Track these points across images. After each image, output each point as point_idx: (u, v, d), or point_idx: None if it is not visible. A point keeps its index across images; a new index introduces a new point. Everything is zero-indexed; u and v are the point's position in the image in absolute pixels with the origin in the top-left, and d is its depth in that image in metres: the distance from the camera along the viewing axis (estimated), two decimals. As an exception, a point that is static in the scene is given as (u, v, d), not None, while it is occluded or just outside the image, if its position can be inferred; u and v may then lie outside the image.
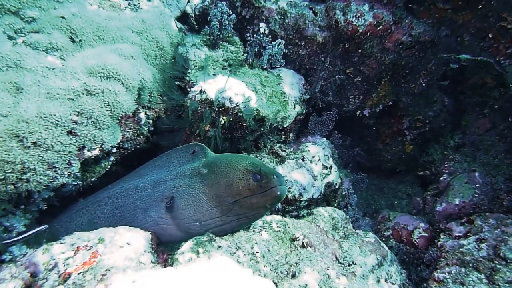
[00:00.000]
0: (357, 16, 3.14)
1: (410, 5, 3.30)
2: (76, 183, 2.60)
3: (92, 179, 2.79)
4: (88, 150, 2.39)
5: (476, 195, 3.31)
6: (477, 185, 3.39)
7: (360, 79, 3.58)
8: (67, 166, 2.26)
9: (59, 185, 2.28)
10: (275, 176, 2.20)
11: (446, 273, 2.55)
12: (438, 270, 2.61)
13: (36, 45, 2.57)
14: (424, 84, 3.74)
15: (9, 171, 2.01)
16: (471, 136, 3.87)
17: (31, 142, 2.11)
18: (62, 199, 2.83)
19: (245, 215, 2.28)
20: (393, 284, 2.47)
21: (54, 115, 2.21)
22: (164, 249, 2.50)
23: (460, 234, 2.95)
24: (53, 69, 2.47)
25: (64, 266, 2.05)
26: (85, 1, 3.14)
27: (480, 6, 3.00)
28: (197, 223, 2.35)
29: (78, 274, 1.98)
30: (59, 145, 2.20)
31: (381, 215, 3.93)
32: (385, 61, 3.41)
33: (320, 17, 3.34)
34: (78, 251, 2.15)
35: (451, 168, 3.89)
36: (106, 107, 2.44)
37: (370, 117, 4.01)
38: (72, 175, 2.32)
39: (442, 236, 3.14)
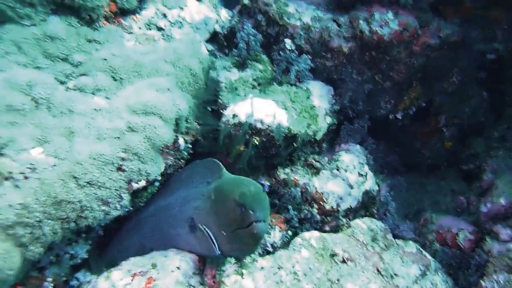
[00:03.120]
0: (381, 25, 3.15)
1: (436, 7, 3.25)
2: (127, 209, 2.83)
3: (141, 204, 3.01)
4: (135, 183, 2.60)
5: (522, 195, 3.20)
6: (523, 184, 3.28)
7: (389, 84, 3.57)
8: (119, 199, 2.48)
9: (113, 218, 2.50)
10: (251, 211, 2.11)
11: (494, 281, 2.52)
12: (485, 278, 2.59)
13: (84, 88, 2.83)
14: (457, 82, 3.66)
15: (70, 210, 2.25)
16: (514, 130, 3.74)
17: (86, 182, 2.35)
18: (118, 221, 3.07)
19: (245, 246, 2.29)
20: (438, 294, 2.49)
21: (104, 155, 2.44)
22: (211, 266, 2.67)
23: (507, 238, 2.89)
24: (100, 110, 2.71)
25: (123, 292, 2.26)
26: (123, 38, 3.39)
27: None
28: (215, 244, 2.41)
29: (137, 300, 2.19)
30: (110, 182, 2.42)
31: (423, 218, 3.89)
32: (414, 64, 3.39)
33: (344, 29, 3.37)
34: (135, 277, 2.36)
35: (494, 165, 3.78)
36: (148, 141, 2.64)
37: (404, 119, 3.98)
38: (123, 207, 2.54)
39: (488, 239, 3.08)
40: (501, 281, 2.53)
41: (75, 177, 2.31)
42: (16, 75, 2.54)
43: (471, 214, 3.85)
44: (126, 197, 2.55)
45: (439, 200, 4.68)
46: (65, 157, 2.39)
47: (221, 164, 2.67)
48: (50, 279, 2.37)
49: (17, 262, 2.00)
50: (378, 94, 3.64)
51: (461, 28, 3.26)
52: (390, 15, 3.15)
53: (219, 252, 2.36)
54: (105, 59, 3.03)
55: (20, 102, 2.45)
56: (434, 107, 3.91)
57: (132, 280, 2.34)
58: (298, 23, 3.48)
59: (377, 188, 3.63)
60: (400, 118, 3.87)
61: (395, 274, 2.46)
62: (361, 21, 3.23)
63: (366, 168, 3.62)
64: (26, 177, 2.20)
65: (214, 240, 2.37)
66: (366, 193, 3.54)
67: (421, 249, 2.74)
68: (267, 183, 3.49)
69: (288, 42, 3.54)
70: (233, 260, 2.71)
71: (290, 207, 3.31)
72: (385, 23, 3.14)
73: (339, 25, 3.38)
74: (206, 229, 2.41)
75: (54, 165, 2.33)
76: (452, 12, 3.22)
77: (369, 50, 3.34)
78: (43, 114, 2.54)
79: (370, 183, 3.58)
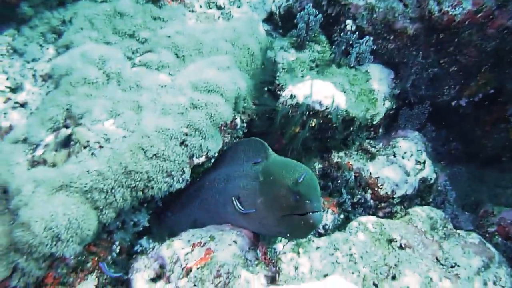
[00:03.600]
0: (453, 5, 2.96)
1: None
2: (187, 183, 2.94)
3: (197, 178, 3.11)
4: (196, 158, 2.67)
5: None
6: None
7: (456, 69, 3.38)
8: (181, 173, 2.57)
9: (175, 190, 2.61)
10: (308, 201, 2.12)
11: None
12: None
13: (149, 64, 2.93)
14: (533, 68, 3.38)
15: (138, 179, 2.37)
16: None
17: (152, 154, 2.45)
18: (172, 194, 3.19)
19: (297, 231, 2.29)
20: (502, 287, 2.38)
21: (169, 129, 2.53)
22: (263, 243, 2.73)
23: None
24: (165, 86, 2.80)
25: (185, 260, 2.38)
26: (185, 16, 3.45)
27: None
28: (262, 224, 2.45)
29: (197, 268, 2.29)
30: (174, 155, 2.51)
31: (483, 210, 3.73)
32: (486, 48, 3.17)
33: (411, 9, 3.21)
34: (194, 248, 2.47)
35: None
36: (209, 118, 2.69)
37: (467, 106, 3.77)
38: (184, 180, 2.64)
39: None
40: None
41: (143, 149, 2.42)
42: (90, 50, 2.68)
43: (537, 210, 3.62)
44: (188, 171, 2.64)
45: (499, 192, 4.45)
46: (134, 129, 2.51)
47: (266, 144, 2.67)
48: (117, 243, 2.54)
49: (94, 223, 2.16)
50: (443, 78, 3.46)
51: (543, 9, 2.99)
52: (464, -6, 2.95)
53: (243, 210, 2.42)
54: (169, 37, 3.11)
55: (94, 76, 2.58)
56: (503, 95, 3.67)
57: (192, 250, 2.45)
58: (361, 3, 3.36)
59: (435, 176, 3.51)
60: (464, 105, 3.67)
61: (456, 264, 2.38)
62: (430, 1, 3.05)
63: (424, 155, 3.50)
64: (101, 146, 2.35)
65: (238, 204, 2.47)
66: (423, 181, 3.43)
67: (484, 241, 2.62)
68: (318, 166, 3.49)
69: (349, 23, 3.44)
70: (284, 239, 2.76)
71: (343, 190, 3.29)
72: (458, 3, 2.95)
73: (405, 5, 3.23)
74: (235, 200, 2.49)
75: (124, 137, 2.45)
76: (535, -9, 2.96)
77: (437, 32, 3.17)
78: (114, 88, 2.68)
79: (428, 171, 3.46)
